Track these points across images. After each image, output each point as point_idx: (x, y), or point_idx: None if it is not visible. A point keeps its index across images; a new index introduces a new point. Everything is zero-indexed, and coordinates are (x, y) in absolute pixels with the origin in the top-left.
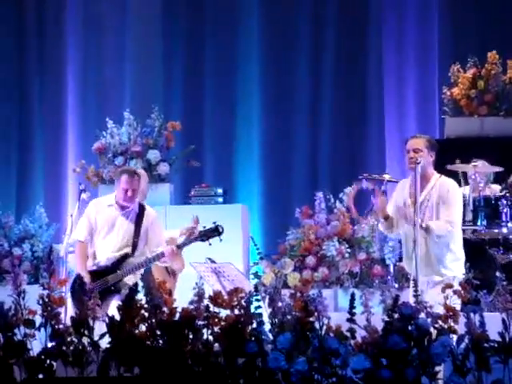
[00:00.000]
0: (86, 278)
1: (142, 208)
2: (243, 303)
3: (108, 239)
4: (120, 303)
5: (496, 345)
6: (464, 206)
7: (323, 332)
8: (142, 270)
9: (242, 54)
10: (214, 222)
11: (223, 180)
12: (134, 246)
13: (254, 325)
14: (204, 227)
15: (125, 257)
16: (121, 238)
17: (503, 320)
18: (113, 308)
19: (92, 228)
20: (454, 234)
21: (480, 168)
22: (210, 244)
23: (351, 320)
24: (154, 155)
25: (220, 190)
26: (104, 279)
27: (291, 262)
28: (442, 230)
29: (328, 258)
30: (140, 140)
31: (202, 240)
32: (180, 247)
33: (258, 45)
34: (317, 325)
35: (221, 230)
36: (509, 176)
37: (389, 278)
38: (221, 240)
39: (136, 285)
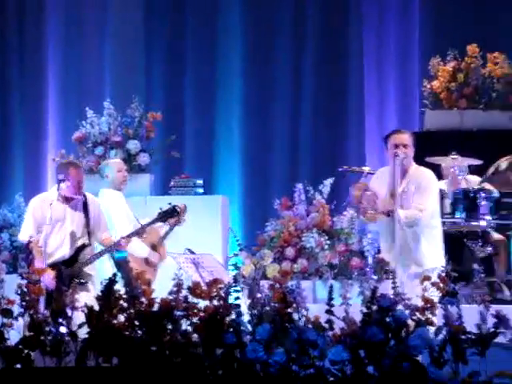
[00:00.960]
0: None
1: (85, 196)
2: (222, 294)
3: (61, 233)
4: (89, 294)
5: (473, 337)
6: (443, 198)
7: (302, 323)
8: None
9: (223, 46)
10: (170, 203)
11: (203, 171)
12: (89, 235)
13: (233, 316)
14: (160, 208)
15: (82, 247)
16: (75, 230)
17: (480, 312)
18: (84, 299)
19: (39, 225)
20: (433, 225)
21: (458, 161)
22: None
23: (330, 311)
24: (134, 145)
25: (200, 181)
26: (71, 269)
27: (270, 253)
28: (410, 217)
29: (307, 249)
30: (120, 130)
31: (162, 221)
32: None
33: (240, 37)
34: (295, 316)
35: (179, 210)
36: (487, 168)
37: (367, 269)
38: (180, 223)
39: (115, 275)
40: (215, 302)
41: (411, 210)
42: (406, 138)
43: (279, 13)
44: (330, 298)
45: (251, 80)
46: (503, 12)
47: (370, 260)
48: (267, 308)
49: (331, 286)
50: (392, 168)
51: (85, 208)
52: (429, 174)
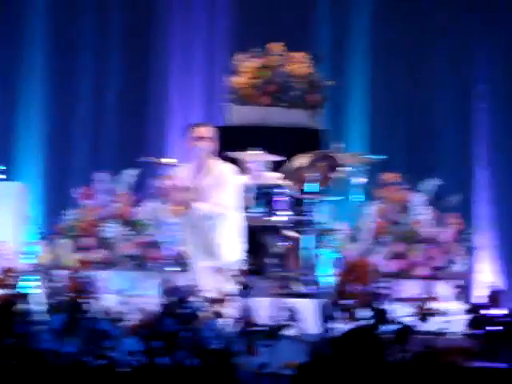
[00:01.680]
0: None
1: None
2: (15, 282)
3: None
4: None
5: (264, 329)
6: (243, 193)
7: (97, 314)
8: None
9: (23, 36)
10: None
11: (3, 157)
12: None
13: (25, 305)
14: None
15: None
16: None
17: (272, 305)
18: None
19: None
20: (232, 219)
21: (260, 156)
22: None
23: (127, 302)
24: None
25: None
26: None
27: (69, 242)
28: (209, 211)
29: (107, 239)
30: None
31: None
32: None
33: (44, 26)
34: (90, 306)
35: None
36: (287, 165)
37: (167, 261)
38: None
39: None
40: (8, 291)
41: (210, 205)
42: (206, 131)
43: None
44: (127, 289)
45: (50, 69)
46: (303, 11)
47: (169, 252)
48: (63, 297)
49: (130, 277)
50: (192, 160)
51: None
52: (228, 168)
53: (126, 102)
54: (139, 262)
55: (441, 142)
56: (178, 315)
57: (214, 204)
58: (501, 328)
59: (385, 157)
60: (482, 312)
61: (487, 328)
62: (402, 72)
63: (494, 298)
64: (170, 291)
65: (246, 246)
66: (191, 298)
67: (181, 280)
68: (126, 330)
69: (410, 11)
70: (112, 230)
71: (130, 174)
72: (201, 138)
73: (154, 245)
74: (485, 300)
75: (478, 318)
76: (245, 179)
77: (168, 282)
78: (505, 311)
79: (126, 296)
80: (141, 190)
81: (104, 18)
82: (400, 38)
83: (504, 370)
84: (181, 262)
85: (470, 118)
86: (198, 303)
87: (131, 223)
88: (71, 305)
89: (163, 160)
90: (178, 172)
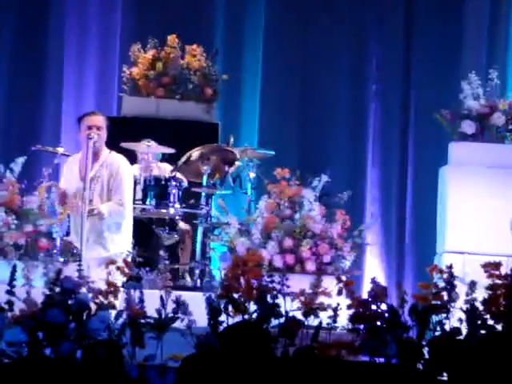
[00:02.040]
0: None
1: None
2: None
3: None
4: None
5: (152, 321)
6: (135, 184)
7: None
8: None
9: None
10: None
11: None
12: None
13: None
14: None
15: None
16: None
17: (161, 297)
18: None
19: None
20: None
21: (152, 148)
22: None
23: (10, 292)
24: None
25: None
26: None
27: None
28: (113, 213)
29: None
30: None
31: None
32: None
33: None
34: None
35: None
36: (180, 158)
37: (55, 251)
38: None
39: None
40: None
41: (113, 205)
42: (99, 120)
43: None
44: (12, 279)
45: None
46: (200, 6)
47: (58, 242)
48: None
49: (14, 267)
50: (84, 150)
51: None
52: (122, 159)
53: (18, 86)
54: (26, 252)
55: (332, 140)
56: (65, 306)
57: (118, 205)
58: (381, 323)
59: (274, 152)
60: (365, 307)
61: (369, 323)
62: (294, 70)
63: (377, 294)
64: (57, 282)
65: (136, 239)
66: (80, 289)
67: (69, 271)
68: (10, 320)
69: (304, 14)
70: None
71: (18, 162)
72: (95, 127)
73: (43, 235)
74: (368, 296)
75: (360, 313)
76: (136, 170)
77: (56, 273)
78: (385, 307)
79: (10, 286)
80: (32, 179)
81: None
82: (293, 36)
83: (382, 365)
84: (70, 252)
85: (363, 117)
86: (86, 294)
87: (19, 212)
88: None
89: (59, 149)
90: (69, 164)
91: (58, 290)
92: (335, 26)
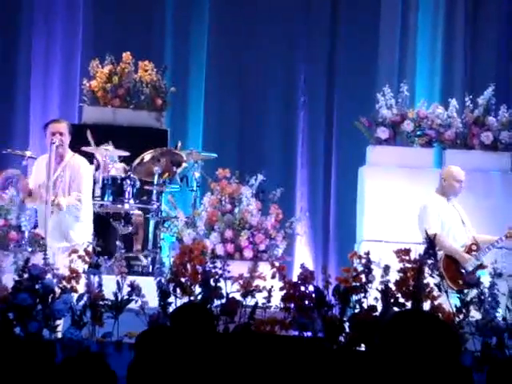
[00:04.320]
0: None
1: None
2: None
3: None
4: None
5: (110, 303)
6: (94, 183)
7: None
8: None
9: None
10: None
11: None
12: None
13: None
14: None
15: None
16: None
17: (118, 282)
18: None
19: None
20: (84, 207)
21: (110, 151)
22: None
23: None
24: None
25: None
26: None
27: None
28: (71, 206)
29: None
30: None
31: None
32: None
33: None
34: None
35: None
36: (134, 160)
37: (23, 242)
38: None
39: None
40: None
41: (72, 200)
42: (62, 126)
43: None
44: None
45: None
46: (153, 26)
47: (26, 234)
48: None
49: None
50: (49, 154)
51: None
52: (83, 161)
53: None
54: None
55: (267, 144)
56: (33, 290)
57: (76, 200)
58: (309, 303)
59: (216, 155)
60: (295, 289)
61: (298, 302)
62: (233, 83)
63: (305, 277)
64: (25, 269)
65: (96, 230)
66: (46, 275)
67: (37, 259)
68: None
69: (242, 34)
70: None
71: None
72: (58, 133)
73: (13, 227)
74: (297, 279)
75: (291, 294)
76: (95, 171)
77: (24, 261)
78: (312, 288)
79: None
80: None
81: None
82: (232, 54)
83: (310, 339)
84: (37, 243)
85: (293, 124)
86: (52, 280)
87: None
88: None
89: (27, 152)
90: (37, 165)
91: (26, 276)
92: (270, 45)
